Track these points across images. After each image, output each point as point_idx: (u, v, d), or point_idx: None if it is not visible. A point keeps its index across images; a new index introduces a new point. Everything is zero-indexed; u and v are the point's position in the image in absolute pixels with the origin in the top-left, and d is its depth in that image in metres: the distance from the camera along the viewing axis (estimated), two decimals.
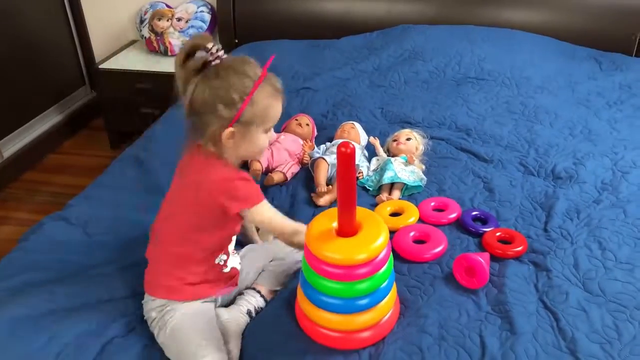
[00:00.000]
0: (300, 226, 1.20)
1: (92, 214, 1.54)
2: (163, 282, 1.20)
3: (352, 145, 1.00)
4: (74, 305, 1.22)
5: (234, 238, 1.26)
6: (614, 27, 2.49)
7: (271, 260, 1.35)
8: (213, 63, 1.09)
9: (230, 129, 1.11)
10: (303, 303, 1.16)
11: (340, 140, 1.82)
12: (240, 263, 1.30)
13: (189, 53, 1.10)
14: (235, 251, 1.29)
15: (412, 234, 1.43)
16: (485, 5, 2.61)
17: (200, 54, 1.10)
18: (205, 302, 1.21)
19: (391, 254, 1.16)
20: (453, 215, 1.51)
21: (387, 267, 1.13)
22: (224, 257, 1.23)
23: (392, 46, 2.48)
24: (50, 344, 1.11)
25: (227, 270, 1.25)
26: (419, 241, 1.42)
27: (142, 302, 1.23)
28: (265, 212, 1.18)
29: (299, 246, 1.16)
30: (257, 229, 1.47)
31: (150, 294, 1.21)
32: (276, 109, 1.15)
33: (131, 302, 1.26)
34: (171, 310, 1.16)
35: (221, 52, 1.10)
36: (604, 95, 2.18)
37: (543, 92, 2.19)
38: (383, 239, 1.09)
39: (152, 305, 1.19)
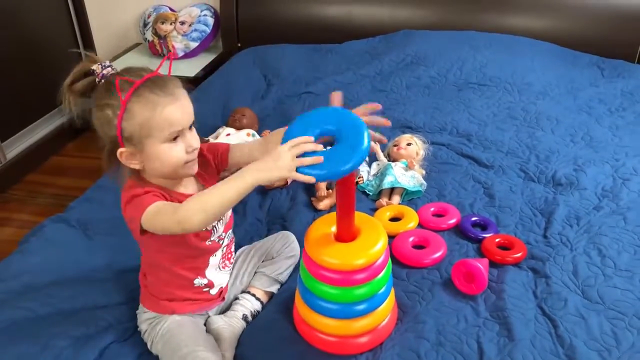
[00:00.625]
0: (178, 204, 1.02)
1: (93, 216, 1.55)
2: (151, 297, 1.19)
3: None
4: (73, 309, 1.22)
5: (213, 261, 1.20)
6: (617, 33, 2.49)
7: (262, 261, 1.34)
8: (100, 83, 1.04)
9: (121, 149, 1.03)
10: (301, 307, 1.16)
11: None
12: (231, 274, 1.29)
13: (77, 77, 1.06)
14: (225, 266, 1.26)
15: (411, 239, 1.43)
16: (487, 11, 2.61)
17: (88, 78, 1.05)
18: (194, 316, 1.20)
19: (389, 259, 1.17)
20: (452, 221, 1.51)
21: (385, 272, 1.13)
22: (203, 281, 1.19)
23: (394, 51, 2.48)
24: (48, 348, 1.11)
25: (213, 292, 1.22)
26: (418, 246, 1.42)
27: (137, 312, 1.23)
28: (148, 213, 1.00)
29: (183, 220, 0.96)
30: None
31: (142, 304, 1.21)
32: (163, 115, 1.00)
33: (129, 308, 1.25)
34: (161, 321, 1.16)
35: (107, 70, 1.04)
36: (606, 102, 2.18)
37: (545, 98, 2.19)
38: (381, 244, 1.09)
39: (143, 318, 1.19)
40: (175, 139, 1.04)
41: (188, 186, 1.15)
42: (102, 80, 1.04)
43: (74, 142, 3.10)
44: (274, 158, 0.94)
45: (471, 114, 2.10)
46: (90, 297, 1.26)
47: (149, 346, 1.16)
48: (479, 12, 2.61)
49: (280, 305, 1.25)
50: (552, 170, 1.74)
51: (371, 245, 1.08)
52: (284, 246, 1.36)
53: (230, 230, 1.25)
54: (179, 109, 1.03)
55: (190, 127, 1.07)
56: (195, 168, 1.10)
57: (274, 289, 1.32)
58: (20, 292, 1.25)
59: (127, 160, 1.05)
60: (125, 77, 1.01)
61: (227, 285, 1.28)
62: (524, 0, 2.57)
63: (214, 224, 1.15)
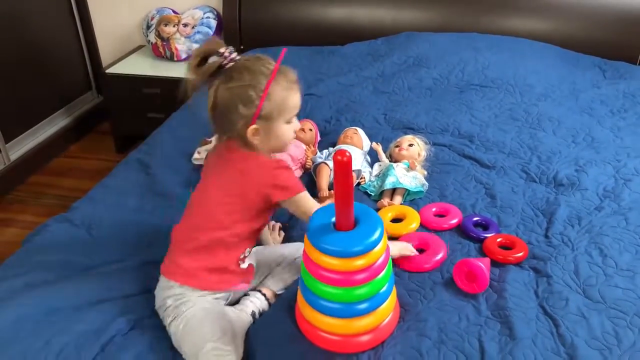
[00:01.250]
0: None
1: (96, 216, 1.56)
2: (183, 265, 1.21)
3: (349, 153, 1.01)
4: (76, 304, 1.23)
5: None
6: (618, 36, 2.50)
7: (279, 264, 1.35)
8: (227, 66, 1.16)
9: (254, 126, 1.17)
10: (303, 306, 1.16)
11: (344, 146, 1.83)
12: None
13: (202, 58, 1.16)
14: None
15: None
16: (489, 14, 2.62)
17: (213, 59, 1.16)
18: (217, 299, 1.22)
19: (390, 258, 1.17)
20: (454, 221, 1.51)
21: (386, 272, 1.14)
22: (248, 251, 1.27)
23: (397, 53, 2.49)
24: (52, 343, 1.12)
25: (244, 266, 1.27)
26: (418, 250, 1.41)
27: (156, 289, 1.24)
28: (306, 202, 1.21)
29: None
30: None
31: (168, 277, 1.22)
32: (293, 99, 1.19)
33: (132, 301, 1.26)
34: (188, 302, 1.17)
35: (234, 54, 1.17)
36: (608, 103, 2.19)
37: (546, 99, 2.20)
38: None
39: (169, 293, 1.20)
40: (289, 122, 1.22)
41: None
42: (230, 64, 1.16)
43: (78, 144, 3.12)
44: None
45: (473, 115, 2.11)
46: (93, 292, 1.26)
47: (167, 323, 1.17)
48: (480, 14, 2.62)
49: (283, 302, 1.26)
50: (553, 170, 1.75)
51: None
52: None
53: None
54: (298, 94, 1.21)
55: None
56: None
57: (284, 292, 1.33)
58: (23, 290, 1.26)
59: (253, 135, 1.18)
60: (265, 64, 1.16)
61: (254, 267, 1.32)
62: (526, 3, 2.59)
63: None
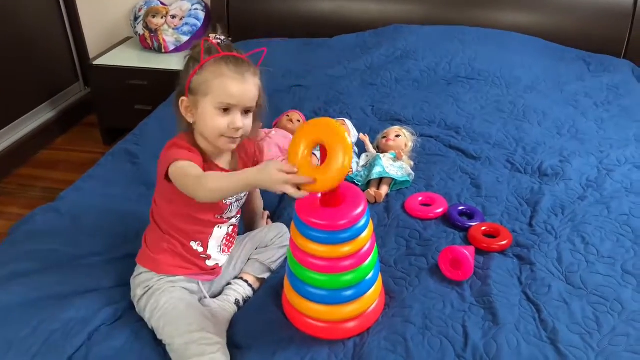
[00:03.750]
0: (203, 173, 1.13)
1: (83, 206, 1.55)
2: (149, 249, 1.24)
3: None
4: (62, 293, 1.23)
5: (217, 233, 1.26)
6: (603, 29, 2.52)
7: (256, 248, 1.37)
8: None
9: (184, 98, 1.18)
10: (289, 293, 1.17)
11: None
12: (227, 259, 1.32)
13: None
14: (224, 252, 1.30)
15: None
16: (476, 7, 2.64)
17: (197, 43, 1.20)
18: (186, 289, 1.22)
19: (376, 246, 1.18)
20: (440, 210, 1.53)
21: (372, 259, 1.15)
22: (200, 248, 1.25)
23: (385, 45, 2.50)
24: (38, 331, 1.12)
25: (209, 263, 1.27)
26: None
27: (131, 278, 1.25)
28: (178, 165, 1.12)
29: (209, 190, 1.09)
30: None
31: (139, 262, 1.25)
32: (228, 84, 1.14)
33: (119, 291, 1.27)
34: (158, 290, 1.18)
35: (215, 40, 1.18)
36: (592, 95, 2.22)
37: (532, 92, 2.22)
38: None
39: (137, 282, 1.22)
40: (226, 111, 1.16)
41: (223, 162, 1.26)
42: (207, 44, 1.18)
43: (64, 136, 3.09)
44: (264, 171, 1.04)
45: (459, 107, 2.12)
46: (79, 282, 1.26)
47: (145, 315, 1.17)
48: (468, 7, 2.64)
49: (269, 289, 1.27)
50: (538, 161, 1.77)
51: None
52: (277, 236, 1.39)
53: (239, 216, 1.33)
54: (239, 86, 1.15)
55: (247, 112, 1.19)
56: (230, 147, 1.21)
57: (266, 276, 1.34)
58: (9, 278, 1.26)
59: (185, 110, 1.20)
60: (216, 45, 1.17)
61: (222, 266, 1.31)
62: None
63: (230, 203, 1.25)
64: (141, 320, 1.20)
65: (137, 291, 1.21)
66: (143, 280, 1.21)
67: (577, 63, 2.44)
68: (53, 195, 1.73)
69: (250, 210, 1.45)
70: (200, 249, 1.25)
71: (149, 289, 1.19)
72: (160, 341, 1.14)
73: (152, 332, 1.17)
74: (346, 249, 1.10)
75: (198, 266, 1.25)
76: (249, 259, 1.36)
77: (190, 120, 1.20)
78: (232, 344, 1.14)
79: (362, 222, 1.11)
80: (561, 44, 2.53)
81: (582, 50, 2.51)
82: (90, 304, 1.20)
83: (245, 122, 1.18)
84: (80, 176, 1.74)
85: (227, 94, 1.15)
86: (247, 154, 1.32)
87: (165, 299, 1.16)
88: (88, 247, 1.40)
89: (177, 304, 1.16)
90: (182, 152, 1.14)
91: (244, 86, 1.16)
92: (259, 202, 1.47)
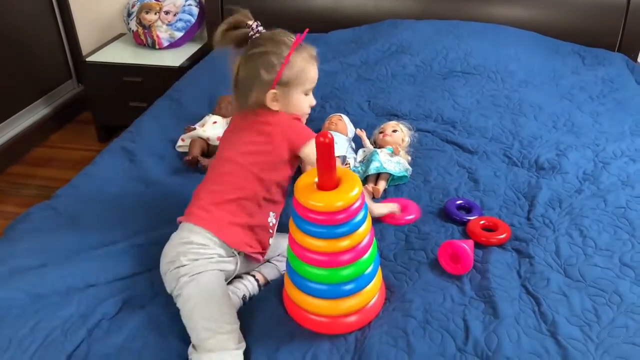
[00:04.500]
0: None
1: (80, 203, 1.55)
2: (214, 214, 1.22)
3: (331, 135, 1.03)
4: (61, 290, 1.22)
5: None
6: (597, 23, 2.53)
7: (278, 255, 1.37)
8: (254, 37, 1.27)
9: (273, 90, 1.25)
10: (290, 289, 1.17)
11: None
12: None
13: (232, 25, 1.28)
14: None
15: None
16: (471, 2, 2.64)
17: (242, 30, 1.27)
18: (223, 272, 1.21)
19: (375, 240, 1.18)
20: (410, 217, 1.49)
21: (371, 253, 1.15)
22: (273, 220, 1.31)
23: (380, 40, 2.50)
24: (37, 328, 1.12)
25: (271, 240, 1.32)
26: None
27: (168, 243, 1.22)
28: (312, 145, 1.19)
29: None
30: None
31: (195, 222, 1.21)
32: (312, 71, 1.28)
33: (117, 285, 1.26)
34: (206, 264, 1.17)
35: (261, 28, 1.28)
36: (587, 89, 2.22)
37: (528, 86, 2.23)
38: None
39: (191, 241, 1.18)
40: (306, 94, 1.30)
41: None
42: (257, 35, 1.27)
43: (58, 134, 3.07)
44: None
45: (456, 102, 2.13)
46: (77, 278, 1.26)
47: (175, 286, 1.16)
48: (463, 2, 2.64)
49: (270, 286, 1.27)
50: (535, 155, 1.78)
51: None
52: None
53: None
54: (316, 70, 1.30)
55: None
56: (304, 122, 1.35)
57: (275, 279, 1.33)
58: (7, 277, 1.25)
59: (272, 101, 1.26)
60: (297, 36, 1.27)
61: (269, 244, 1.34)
62: None
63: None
64: (141, 313, 1.18)
65: (182, 259, 1.17)
66: (201, 242, 1.19)
67: (572, 57, 2.45)
68: (48, 193, 1.72)
69: None
70: (273, 221, 1.31)
71: (198, 260, 1.17)
72: (162, 333, 1.13)
73: (153, 327, 1.16)
74: (345, 243, 1.09)
75: (262, 244, 1.29)
76: (267, 261, 1.35)
77: (276, 109, 1.27)
78: None
79: (360, 216, 1.11)
80: (556, 37, 2.54)
81: (576, 43, 2.52)
82: (89, 300, 1.20)
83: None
84: (75, 174, 1.73)
85: (313, 80, 1.30)
86: None
87: (208, 277, 1.16)
88: (85, 244, 1.38)
89: (216, 288, 1.15)
90: (306, 127, 1.30)
91: (317, 67, 1.30)
92: None
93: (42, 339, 1.10)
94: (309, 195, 1.08)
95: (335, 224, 1.08)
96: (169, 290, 1.19)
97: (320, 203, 1.07)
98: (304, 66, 1.26)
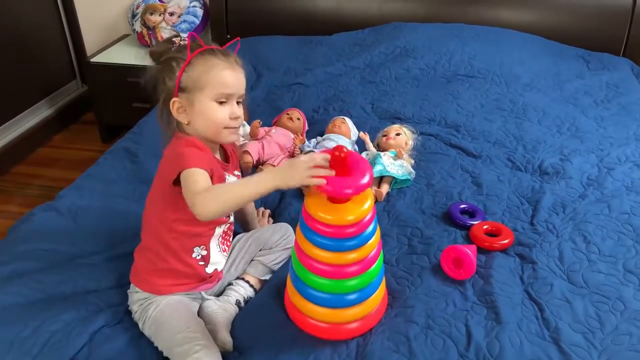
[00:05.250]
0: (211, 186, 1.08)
1: (83, 205, 1.54)
2: (147, 272, 1.20)
3: (347, 149, 1.03)
4: (63, 294, 1.22)
5: (217, 232, 1.23)
6: (602, 27, 2.52)
7: (260, 250, 1.35)
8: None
9: (175, 98, 1.14)
10: (292, 294, 1.17)
11: (332, 135, 1.84)
12: (227, 260, 1.30)
13: (159, 54, 1.18)
14: (224, 250, 1.28)
15: None
16: (475, 4, 2.64)
17: (165, 44, 1.20)
18: (188, 295, 1.21)
19: (382, 252, 1.18)
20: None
21: (377, 264, 1.14)
22: (203, 252, 1.21)
23: (384, 43, 2.50)
24: (39, 331, 1.11)
25: (208, 270, 1.23)
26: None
27: (128, 291, 1.23)
28: (194, 180, 1.06)
29: (201, 205, 1.03)
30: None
31: (133, 282, 1.22)
32: (221, 74, 1.13)
33: (119, 292, 1.25)
34: (153, 303, 1.16)
35: (183, 42, 1.17)
36: (591, 93, 2.22)
37: (532, 90, 2.22)
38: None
39: (135, 298, 1.19)
40: (222, 103, 1.15)
41: (219, 157, 1.23)
42: (177, 45, 1.17)
43: (62, 134, 3.08)
44: (292, 167, 1.03)
45: (459, 105, 2.12)
46: (80, 282, 1.26)
47: (140, 327, 1.17)
48: (467, 5, 2.63)
49: (271, 289, 1.26)
50: (538, 159, 1.77)
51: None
52: (282, 238, 1.36)
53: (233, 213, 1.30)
54: (233, 74, 1.15)
55: (238, 102, 1.17)
56: (234, 137, 1.20)
57: (267, 277, 1.32)
58: (9, 278, 1.25)
59: (178, 112, 1.15)
60: (198, 42, 1.15)
61: (222, 270, 1.28)
62: None
63: None
64: None
65: (134, 307, 1.19)
66: (140, 297, 1.18)
67: (576, 61, 2.44)
68: (51, 193, 1.72)
69: (243, 210, 1.41)
70: (204, 253, 1.21)
71: (146, 304, 1.17)
72: None
73: None
74: (352, 255, 1.09)
75: (197, 277, 1.21)
76: (252, 260, 1.34)
77: (185, 121, 1.16)
78: (235, 345, 1.13)
79: (370, 229, 1.10)
80: (560, 41, 2.53)
81: (581, 48, 2.51)
82: (92, 304, 1.20)
83: (241, 110, 1.18)
84: (78, 174, 1.73)
85: (224, 84, 1.14)
86: (229, 147, 1.30)
87: (154, 306, 1.15)
88: (88, 246, 1.39)
89: (165, 310, 1.14)
90: (194, 154, 1.10)
91: (237, 74, 1.16)
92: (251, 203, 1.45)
93: (44, 342, 1.09)
94: (319, 207, 1.07)
95: (345, 237, 1.07)
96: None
97: (330, 216, 1.06)
98: (209, 68, 1.12)
